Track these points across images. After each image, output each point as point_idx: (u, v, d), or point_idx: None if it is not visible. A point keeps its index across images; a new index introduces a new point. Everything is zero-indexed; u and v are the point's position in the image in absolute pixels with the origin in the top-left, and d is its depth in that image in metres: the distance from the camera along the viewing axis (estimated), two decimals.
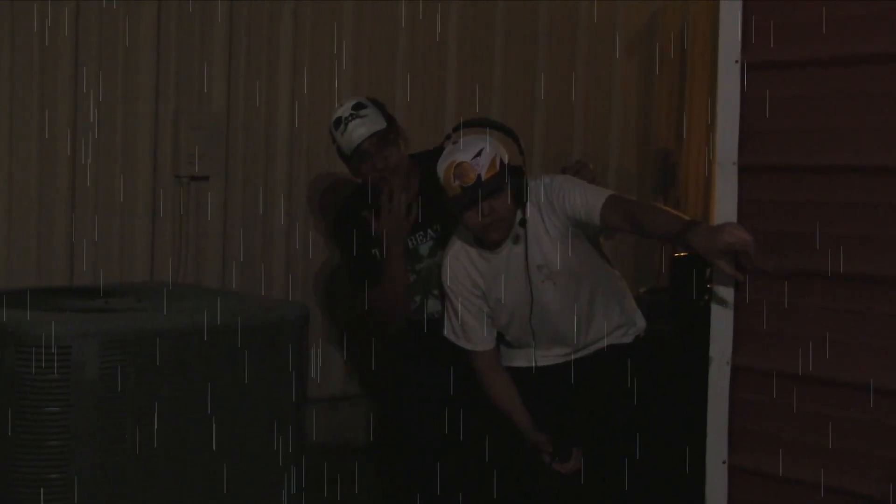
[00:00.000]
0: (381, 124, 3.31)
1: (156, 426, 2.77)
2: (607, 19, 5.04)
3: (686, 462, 2.91)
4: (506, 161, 2.90)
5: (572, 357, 3.12)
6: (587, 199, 2.90)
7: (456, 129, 3.00)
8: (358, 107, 3.32)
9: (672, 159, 5.28)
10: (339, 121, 3.31)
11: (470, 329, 3.09)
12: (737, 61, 2.52)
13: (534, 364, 3.12)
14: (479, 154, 2.85)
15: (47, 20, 3.59)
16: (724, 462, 2.59)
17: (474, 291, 3.06)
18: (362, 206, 3.43)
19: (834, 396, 2.43)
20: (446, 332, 3.14)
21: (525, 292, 3.00)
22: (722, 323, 2.58)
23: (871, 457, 2.37)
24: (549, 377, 3.13)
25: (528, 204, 2.94)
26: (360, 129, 3.28)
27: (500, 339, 3.16)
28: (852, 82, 2.36)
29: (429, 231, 3.41)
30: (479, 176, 2.83)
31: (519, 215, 2.94)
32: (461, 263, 3.07)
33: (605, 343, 3.11)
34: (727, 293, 2.57)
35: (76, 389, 2.64)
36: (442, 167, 2.89)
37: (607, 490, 3.02)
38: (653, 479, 3.20)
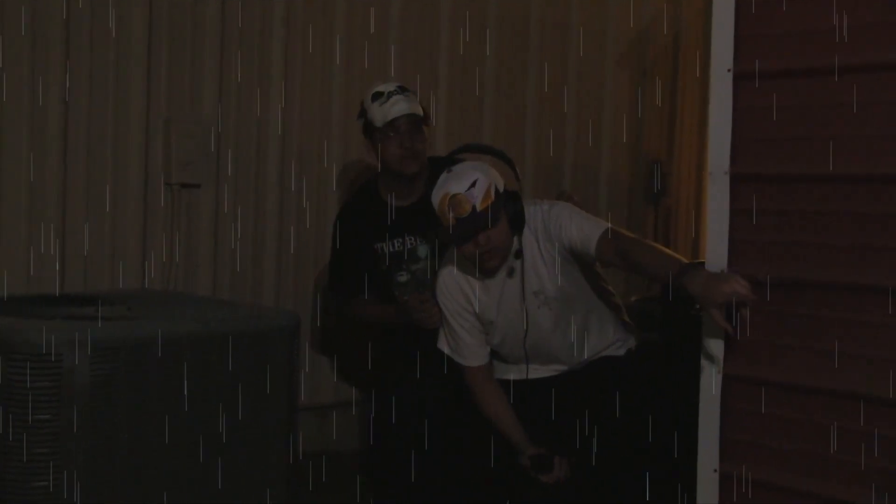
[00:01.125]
0: (419, 110, 3.38)
1: (146, 434, 2.76)
2: (599, 29, 5.05)
3: (677, 470, 2.91)
4: (501, 189, 2.88)
5: (564, 369, 3.13)
6: (584, 232, 2.89)
7: (454, 154, 3.00)
8: (402, 88, 3.39)
9: (663, 169, 5.29)
10: (379, 93, 3.34)
11: (464, 345, 3.09)
12: (729, 70, 2.52)
13: (526, 377, 3.13)
14: (473, 185, 2.83)
15: (36, 26, 3.59)
16: (715, 470, 2.59)
17: (467, 308, 3.07)
18: (369, 198, 3.44)
19: (825, 406, 2.43)
20: (440, 343, 3.15)
21: (520, 316, 3.01)
22: (713, 332, 2.58)
23: (862, 466, 2.37)
24: (540, 388, 3.13)
25: (526, 230, 2.93)
26: (402, 104, 3.33)
27: (494, 353, 3.17)
28: (844, 92, 2.37)
29: (430, 234, 3.42)
30: (473, 207, 2.81)
31: (515, 244, 2.94)
32: (455, 281, 3.06)
33: (597, 356, 3.12)
34: None
35: (66, 397, 2.62)
36: (436, 198, 2.87)
37: (599, 499, 3.01)
38: (644, 487, 3.20)
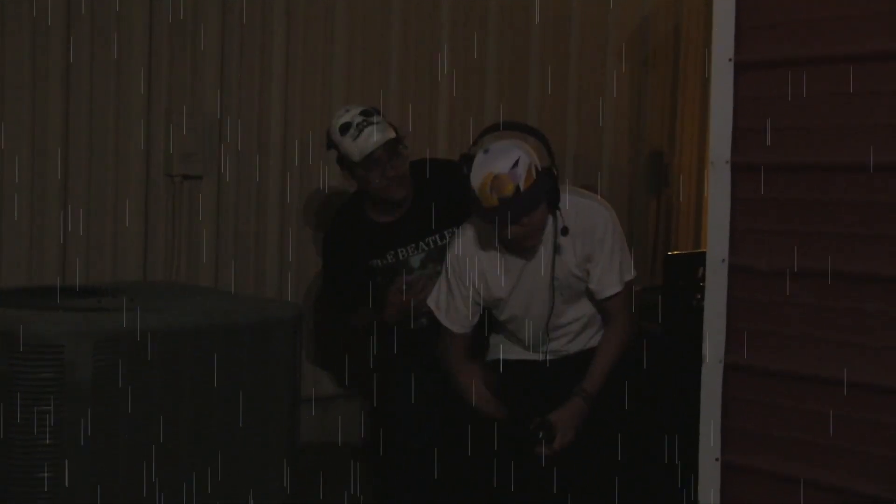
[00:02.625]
0: (391, 133, 3.31)
1: (148, 425, 2.77)
2: (600, 21, 5.04)
3: (678, 459, 2.91)
4: (539, 168, 2.83)
5: (562, 353, 3.14)
6: (608, 272, 2.99)
7: (486, 133, 2.93)
8: (367, 113, 3.30)
9: (665, 159, 5.28)
10: (347, 126, 3.27)
11: (454, 310, 3.08)
12: (730, 60, 2.52)
13: (543, 358, 3.13)
14: (515, 164, 2.76)
15: (38, 19, 3.58)
16: (717, 459, 2.59)
17: (473, 280, 3.04)
18: (356, 220, 3.44)
19: (826, 394, 2.44)
20: (430, 300, 3.13)
21: (544, 296, 3.01)
22: (714, 321, 2.58)
23: (863, 454, 2.38)
24: (539, 371, 3.13)
25: (567, 216, 2.91)
26: (376, 136, 3.26)
27: (501, 331, 3.17)
28: (845, 81, 2.37)
29: (420, 244, 3.42)
30: (517, 188, 2.75)
31: (560, 222, 2.91)
32: (472, 251, 3.03)
33: (592, 344, 3.14)
34: (720, 292, 2.58)
35: (68, 389, 2.63)
36: (477, 178, 2.78)
37: (598, 485, 3.01)
38: (645, 475, 3.20)
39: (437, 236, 3.41)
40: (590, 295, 3.07)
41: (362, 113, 3.30)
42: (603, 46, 5.05)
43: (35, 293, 3.13)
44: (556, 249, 2.94)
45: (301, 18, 4.18)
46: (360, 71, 4.31)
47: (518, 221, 2.81)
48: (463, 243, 3.06)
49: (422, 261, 3.42)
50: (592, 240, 2.97)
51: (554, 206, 2.89)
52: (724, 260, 2.55)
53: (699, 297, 3.49)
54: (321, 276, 3.74)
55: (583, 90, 5.00)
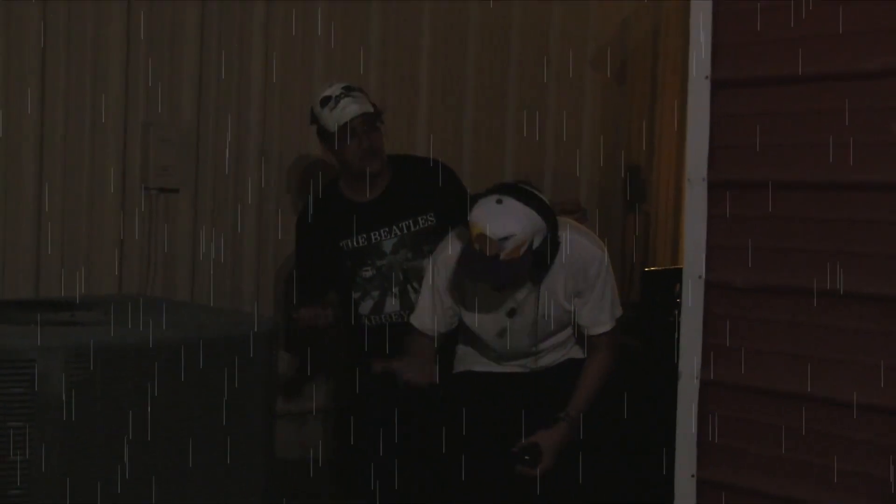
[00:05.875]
0: (370, 108, 3.38)
1: (122, 441, 2.74)
2: (578, 33, 5.06)
3: (655, 476, 2.91)
4: (534, 247, 2.81)
5: (532, 367, 3.16)
6: (599, 311, 3.03)
7: (499, 190, 2.85)
8: (348, 88, 3.38)
9: (642, 174, 5.30)
10: (327, 98, 3.34)
11: (423, 314, 3.10)
12: (707, 77, 2.53)
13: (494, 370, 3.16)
14: (506, 238, 2.75)
15: (13, 28, 3.56)
16: (692, 476, 2.59)
17: (450, 294, 3.05)
18: (329, 197, 3.44)
19: (802, 411, 2.44)
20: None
21: (528, 337, 3.06)
22: (691, 337, 2.58)
23: (839, 471, 2.38)
24: (508, 384, 3.14)
25: (560, 254, 2.92)
26: (353, 107, 3.33)
27: (470, 342, 3.18)
28: (822, 99, 2.38)
29: (394, 228, 3.42)
30: (497, 255, 2.75)
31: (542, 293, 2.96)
32: (454, 267, 3.03)
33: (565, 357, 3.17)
34: (696, 308, 2.58)
35: (40, 404, 2.60)
36: (473, 219, 2.79)
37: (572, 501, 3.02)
38: (622, 492, 3.20)
39: (410, 221, 3.41)
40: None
41: (344, 87, 3.38)
42: (580, 60, 5.07)
43: (8, 306, 3.10)
44: (536, 294, 2.98)
45: (279, 30, 4.17)
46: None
47: (484, 278, 2.87)
48: (448, 255, 3.05)
49: (394, 245, 3.42)
50: (585, 279, 3.00)
51: (536, 278, 2.94)
52: (700, 276, 2.56)
53: (676, 312, 3.50)
54: (294, 265, 3.72)
55: (560, 106, 5.01)
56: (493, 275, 2.84)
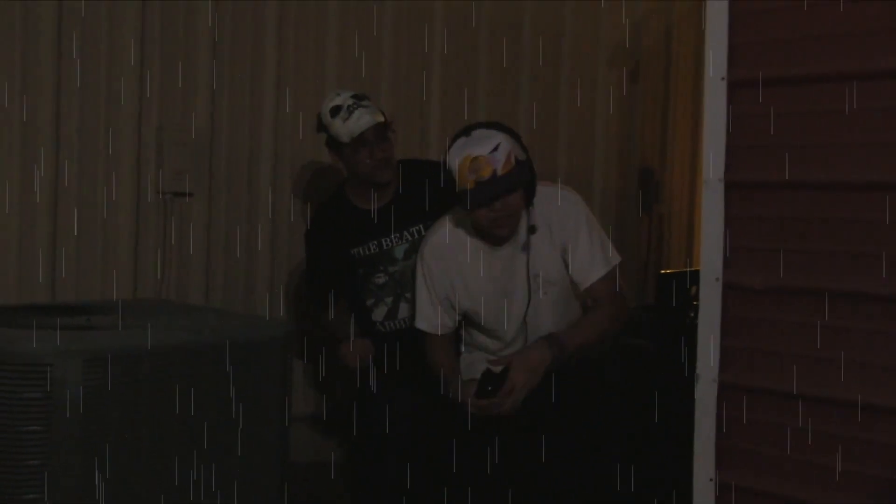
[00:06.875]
0: (381, 117, 3.39)
1: (138, 445, 2.74)
2: (591, 35, 5.05)
3: (672, 479, 2.90)
4: (521, 158, 2.85)
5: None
6: (590, 256, 2.94)
7: (465, 130, 2.91)
8: (358, 97, 3.38)
9: (656, 176, 5.29)
10: (337, 108, 3.34)
11: (426, 311, 3.08)
12: (723, 78, 2.52)
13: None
14: (495, 149, 2.78)
15: (28, 35, 3.57)
16: (711, 479, 2.58)
17: (446, 277, 3.02)
18: (339, 205, 3.45)
19: (820, 413, 2.43)
20: (419, 319, 3.13)
21: (522, 295, 2.98)
22: (708, 339, 2.57)
23: (858, 474, 2.37)
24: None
25: (539, 211, 2.90)
26: (366, 118, 3.33)
27: (476, 335, 3.16)
28: (839, 98, 2.36)
29: (405, 234, 3.42)
30: (494, 171, 2.77)
31: (527, 220, 2.90)
32: (446, 250, 3.01)
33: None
34: (713, 310, 2.57)
35: (56, 408, 2.60)
36: (456, 159, 2.81)
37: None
38: (639, 496, 3.19)
39: (420, 226, 3.41)
40: (576, 290, 3.05)
41: (353, 96, 3.38)
42: (593, 61, 5.06)
43: (24, 311, 3.11)
44: (525, 247, 2.92)
45: (292, 35, 4.18)
46: (351, 87, 4.29)
47: (491, 204, 2.81)
48: (436, 241, 3.04)
49: (405, 251, 3.42)
50: (566, 227, 2.95)
51: (529, 199, 2.88)
52: (717, 278, 2.54)
53: (692, 315, 3.49)
54: (304, 272, 3.72)
55: (573, 107, 5.01)
56: (499, 200, 2.79)
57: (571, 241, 2.95)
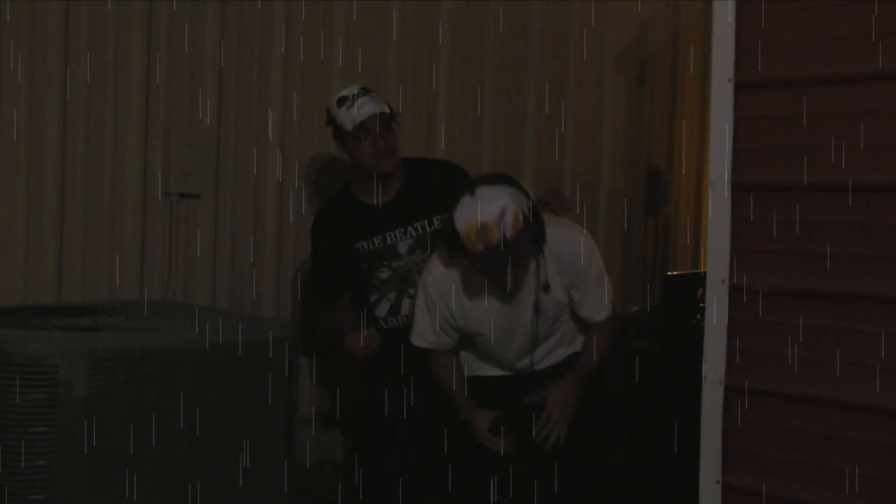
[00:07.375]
0: (386, 108, 3.41)
1: (143, 446, 2.75)
2: (598, 37, 5.04)
3: (678, 481, 2.89)
4: (527, 214, 2.77)
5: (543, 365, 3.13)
6: (597, 299, 3.01)
7: (469, 187, 2.81)
8: (365, 89, 3.41)
9: (663, 178, 5.28)
10: (344, 98, 3.36)
11: (426, 331, 3.07)
12: (730, 80, 2.52)
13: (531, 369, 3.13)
14: (503, 214, 2.71)
15: (35, 35, 3.58)
16: (717, 482, 2.57)
17: (447, 305, 3.01)
18: (344, 200, 3.45)
19: (827, 416, 2.42)
20: (416, 337, 3.11)
21: (527, 332, 3.01)
22: (715, 342, 2.56)
23: (864, 477, 2.36)
24: (518, 382, 3.13)
25: (550, 251, 2.88)
26: (369, 106, 3.35)
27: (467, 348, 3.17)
28: (845, 101, 2.36)
29: (409, 229, 3.42)
30: (504, 237, 2.70)
31: (543, 271, 2.90)
32: (447, 285, 2.99)
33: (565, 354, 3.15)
34: (720, 312, 2.56)
35: (63, 409, 2.61)
36: (462, 225, 2.74)
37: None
38: (645, 498, 3.19)
39: (424, 221, 3.41)
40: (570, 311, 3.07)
41: (361, 88, 3.40)
42: (601, 64, 5.06)
43: (31, 312, 3.12)
44: (545, 289, 2.93)
45: (299, 36, 4.18)
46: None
47: (503, 269, 2.78)
48: (439, 275, 3.01)
49: (409, 247, 3.42)
50: (576, 269, 2.96)
51: (539, 248, 2.86)
52: (724, 280, 2.54)
53: (699, 317, 3.48)
54: (310, 268, 3.72)
55: (581, 109, 5.00)
56: (508, 264, 2.77)
57: (581, 282, 2.98)
